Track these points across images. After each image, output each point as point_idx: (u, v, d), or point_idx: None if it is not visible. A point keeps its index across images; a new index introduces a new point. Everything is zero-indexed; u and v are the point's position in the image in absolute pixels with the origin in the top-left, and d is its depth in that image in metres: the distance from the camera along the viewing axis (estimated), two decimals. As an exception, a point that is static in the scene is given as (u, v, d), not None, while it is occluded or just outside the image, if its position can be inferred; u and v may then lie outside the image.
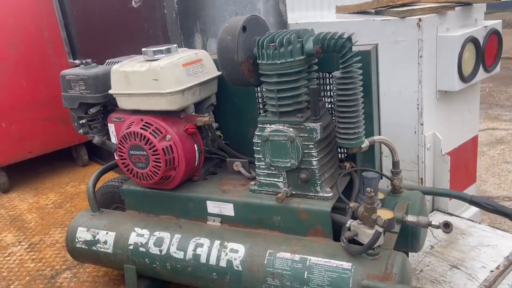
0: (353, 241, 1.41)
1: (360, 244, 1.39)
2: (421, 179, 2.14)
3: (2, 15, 2.98)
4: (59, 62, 3.22)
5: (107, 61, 1.92)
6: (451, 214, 2.16)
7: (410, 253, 1.79)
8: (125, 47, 2.64)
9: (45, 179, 3.36)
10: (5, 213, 2.84)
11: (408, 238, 1.65)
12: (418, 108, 2.03)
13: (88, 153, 3.56)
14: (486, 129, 5.83)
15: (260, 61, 1.50)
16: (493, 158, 5.05)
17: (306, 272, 1.41)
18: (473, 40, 2.03)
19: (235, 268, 1.53)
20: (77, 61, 3.22)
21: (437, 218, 2.09)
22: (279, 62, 1.45)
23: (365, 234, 1.36)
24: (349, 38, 1.41)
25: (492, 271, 1.76)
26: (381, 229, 1.32)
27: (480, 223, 2.11)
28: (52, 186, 3.22)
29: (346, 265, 1.38)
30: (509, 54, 8.81)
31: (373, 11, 2.28)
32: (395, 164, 1.70)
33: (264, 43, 1.45)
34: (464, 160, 2.34)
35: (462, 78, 2.04)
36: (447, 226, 1.42)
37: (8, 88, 3.03)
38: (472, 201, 1.68)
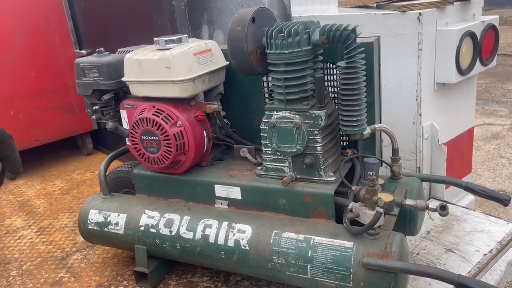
0: (354, 222, 1.50)
1: (361, 225, 1.47)
2: (419, 168, 2.23)
3: (12, 6, 3.03)
4: (65, 52, 3.29)
5: (118, 50, 1.99)
6: (447, 202, 2.25)
7: (407, 237, 1.88)
8: (132, 38, 2.69)
9: (50, 167, 3.43)
10: (13, 199, 2.91)
11: (406, 222, 1.74)
12: (417, 99, 2.11)
13: (93, 142, 3.62)
14: (482, 124, 5.93)
15: (268, 51, 1.57)
16: (488, 153, 5.16)
17: (310, 251, 1.50)
18: (470, 34, 2.11)
19: (243, 247, 1.61)
20: (83, 51, 3.28)
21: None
22: (286, 52, 1.52)
23: (366, 215, 1.45)
24: (354, 30, 1.49)
25: (485, 254, 1.85)
26: (381, 210, 1.40)
27: (474, 211, 2.20)
28: (58, 173, 3.29)
29: (348, 244, 1.46)
30: (505, 51, 8.91)
31: (374, 5, 2.36)
32: (395, 151, 1.79)
33: (273, 33, 1.53)
34: (460, 150, 2.43)
35: (460, 71, 2.12)
36: (443, 209, 1.50)
37: (16, 77, 3.09)
38: (467, 187, 1.76)
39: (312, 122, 1.57)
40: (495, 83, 7.70)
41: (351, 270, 1.43)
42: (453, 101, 2.31)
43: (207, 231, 1.68)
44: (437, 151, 2.21)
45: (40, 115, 3.25)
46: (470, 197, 2.50)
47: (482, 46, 2.19)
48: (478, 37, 2.16)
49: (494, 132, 5.72)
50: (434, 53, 2.11)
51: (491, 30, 2.24)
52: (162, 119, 1.70)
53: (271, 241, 1.57)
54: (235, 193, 1.75)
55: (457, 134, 2.38)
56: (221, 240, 1.65)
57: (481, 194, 1.71)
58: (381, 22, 2.13)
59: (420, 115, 2.13)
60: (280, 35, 1.52)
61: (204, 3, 2.29)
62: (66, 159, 3.57)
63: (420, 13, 2.00)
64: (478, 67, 2.23)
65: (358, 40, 1.53)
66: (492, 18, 2.26)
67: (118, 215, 1.87)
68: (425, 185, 2.25)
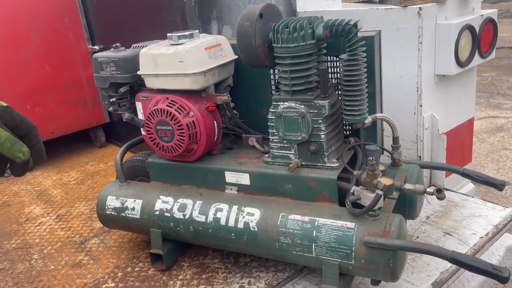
0: (356, 205, 1.60)
1: (363, 207, 1.57)
2: (420, 157, 2.32)
3: (28, 4, 3.16)
4: (79, 47, 3.41)
5: (133, 45, 2.10)
6: (446, 189, 2.35)
7: (407, 221, 1.98)
8: (143, 34, 2.81)
9: (65, 158, 3.56)
10: (31, 189, 3.05)
11: (405, 206, 1.83)
12: (417, 90, 2.20)
13: (105, 134, 3.75)
14: (487, 117, 5.99)
15: (275, 45, 1.67)
16: (492, 145, 5.22)
17: (314, 231, 1.60)
18: (469, 27, 2.19)
19: (252, 229, 1.72)
20: (96, 47, 3.40)
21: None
22: (292, 45, 1.63)
23: (367, 197, 1.55)
24: (355, 25, 1.59)
25: (481, 237, 1.95)
26: (381, 192, 1.50)
27: (473, 197, 2.30)
28: (72, 165, 3.43)
29: (350, 224, 1.57)
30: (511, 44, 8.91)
31: (377, 0, 2.45)
32: (395, 139, 1.88)
33: (279, 28, 1.63)
34: (460, 140, 2.52)
35: (459, 63, 2.21)
36: (439, 192, 1.60)
37: (33, 72, 3.22)
38: (464, 173, 1.86)
39: (316, 111, 1.67)
40: (501, 76, 7.73)
41: (353, 249, 1.53)
42: (453, 93, 2.40)
43: (218, 215, 1.79)
44: (437, 140, 2.30)
45: (55, 109, 3.38)
46: (470, 185, 2.60)
47: (481, 39, 2.28)
48: (477, 30, 2.25)
49: (499, 124, 5.77)
50: (434, 46, 2.20)
51: (490, 24, 2.32)
52: (175, 110, 1.81)
53: (278, 223, 1.68)
54: (244, 179, 1.86)
55: (457, 124, 2.47)
56: (231, 223, 1.76)
57: (477, 179, 1.80)
58: (383, 17, 2.22)
59: (421, 106, 2.22)
60: (286, 30, 1.62)
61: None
62: (79, 151, 3.70)
63: (420, 8, 2.09)
64: (477, 60, 2.32)
65: (360, 34, 1.63)
66: (491, 12, 2.34)
67: (135, 200, 1.99)
68: (426, 173, 2.35)
